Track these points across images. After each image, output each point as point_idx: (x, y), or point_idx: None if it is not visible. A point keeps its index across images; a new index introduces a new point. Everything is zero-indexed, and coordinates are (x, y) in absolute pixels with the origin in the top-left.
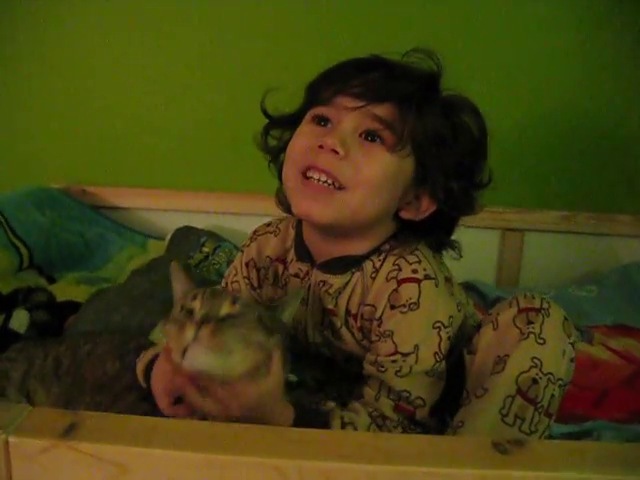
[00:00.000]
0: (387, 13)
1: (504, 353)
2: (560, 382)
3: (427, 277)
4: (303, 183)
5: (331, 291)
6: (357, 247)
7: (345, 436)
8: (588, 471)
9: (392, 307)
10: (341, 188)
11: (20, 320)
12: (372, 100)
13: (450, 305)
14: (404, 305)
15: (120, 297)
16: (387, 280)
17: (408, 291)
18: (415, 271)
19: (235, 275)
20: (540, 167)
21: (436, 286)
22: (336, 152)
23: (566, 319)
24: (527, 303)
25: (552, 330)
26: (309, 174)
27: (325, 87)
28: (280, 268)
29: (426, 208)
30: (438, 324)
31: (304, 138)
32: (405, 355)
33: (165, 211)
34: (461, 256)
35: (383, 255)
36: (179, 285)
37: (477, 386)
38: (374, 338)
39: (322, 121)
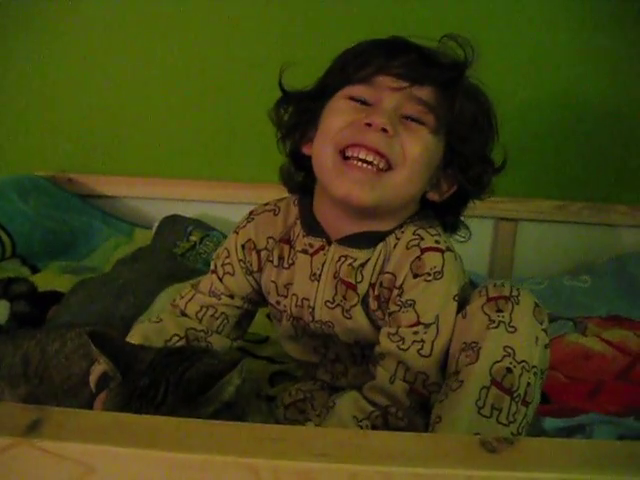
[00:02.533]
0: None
1: (471, 339)
2: (535, 369)
3: (448, 249)
4: (344, 164)
5: (355, 264)
6: (384, 224)
7: (324, 434)
8: (580, 470)
9: (415, 275)
10: (387, 169)
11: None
12: (415, 82)
13: (464, 280)
14: (428, 273)
15: (103, 287)
16: (408, 248)
17: (433, 259)
18: (438, 242)
19: (227, 257)
20: (534, 156)
21: (455, 259)
22: (385, 130)
23: (537, 305)
24: (496, 292)
25: (523, 317)
26: (349, 153)
27: (362, 66)
28: (286, 249)
29: (446, 190)
30: (456, 297)
31: (344, 115)
32: (427, 326)
33: (153, 199)
34: (470, 238)
35: (404, 227)
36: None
37: (449, 375)
38: (394, 308)
39: (360, 100)
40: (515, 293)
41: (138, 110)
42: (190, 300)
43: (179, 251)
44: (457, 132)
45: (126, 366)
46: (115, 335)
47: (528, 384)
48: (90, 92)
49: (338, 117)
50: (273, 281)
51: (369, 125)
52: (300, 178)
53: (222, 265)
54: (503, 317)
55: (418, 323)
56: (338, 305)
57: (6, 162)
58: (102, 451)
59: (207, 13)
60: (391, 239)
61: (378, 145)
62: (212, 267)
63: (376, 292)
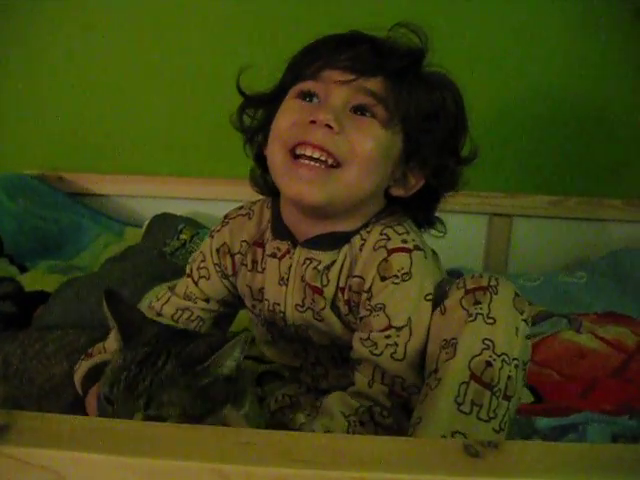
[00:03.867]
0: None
1: (450, 336)
2: (516, 362)
3: (417, 248)
4: (293, 163)
5: (320, 267)
6: (346, 224)
7: (300, 438)
8: (567, 475)
9: (383, 278)
10: (336, 165)
11: None
12: (362, 74)
13: (439, 277)
14: (396, 276)
15: (91, 286)
16: (375, 249)
17: (399, 261)
18: (405, 241)
19: (203, 262)
20: (528, 151)
21: (425, 258)
22: (330, 127)
23: (517, 295)
24: (474, 283)
25: (501, 308)
26: (299, 151)
27: (310, 61)
28: (259, 252)
29: (414, 185)
30: (429, 296)
31: (291, 114)
32: (399, 329)
33: (143, 198)
34: (445, 233)
35: (370, 227)
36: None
37: (429, 375)
38: (364, 313)
39: (308, 96)
40: (493, 283)
41: (128, 108)
42: (166, 303)
43: (169, 250)
44: (413, 123)
45: (131, 333)
46: (127, 301)
47: (509, 377)
48: (80, 90)
49: (286, 116)
50: (248, 285)
51: (314, 122)
52: (269, 180)
53: (197, 269)
54: (481, 309)
55: (390, 327)
56: (309, 308)
57: None
58: (71, 457)
59: (198, 10)
60: (356, 240)
61: (323, 142)
62: (187, 271)
63: (346, 296)
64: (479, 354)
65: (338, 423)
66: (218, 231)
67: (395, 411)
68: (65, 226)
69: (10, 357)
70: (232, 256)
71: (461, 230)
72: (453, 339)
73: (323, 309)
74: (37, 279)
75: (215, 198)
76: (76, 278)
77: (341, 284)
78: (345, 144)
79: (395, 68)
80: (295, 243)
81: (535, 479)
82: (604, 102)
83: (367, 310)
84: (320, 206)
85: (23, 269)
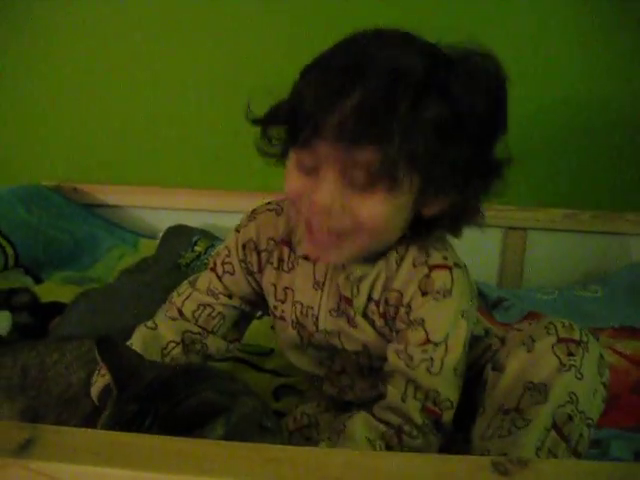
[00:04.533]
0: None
1: (539, 380)
2: (589, 422)
3: (456, 265)
4: (308, 230)
5: (352, 278)
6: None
7: (332, 455)
8: None
9: (424, 293)
10: (346, 234)
11: (1, 322)
12: (351, 143)
13: (473, 294)
14: (438, 292)
15: (106, 298)
16: (415, 266)
17: (441, 278)
18: (445, 258)
19: (228, 256)
20: (543, 164)
21: (464, 275)
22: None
23: (602, 356)
24: (566, 333)
25: (590, 366)
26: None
27: (301, 123)
28: (286, 251)
29: (444, 202)
30: (466, 314)
31: (295, 186)
32: (436, 345)
33: (158, 209)
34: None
35: (407, 242)
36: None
37: (507, 411)
38: (401, 326)
39: (306, 171)
40: (585, 339)
41: (144, 120)
42: (187, 298)
43: (184, 261)
44: (427, 164)
45: (125, 381)
46: (121, 345)
47: (581, 435)
48: (96, 102)
49: (292, 187)
50: (273, 284)
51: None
52: None
53: (222, 264)
54: (575, 361)
55: (427, 342)
56: (343, 313)
57: (11, 172)
58: (96, 473)
59: (213, 18)
60: (392, 255)
61: (326, 225)
62: (211, 265)
63: (381, 309)
64: (563, 405)
65: (362, 450)
66: (245, 226)
67: (425, 429)
68: (80, 237)
69: (28, 367)
70: (258, 253)
71: (476, 243)
72: (543, 384)
73: (355, 317)
74: (52, 290)
75: (230, 210)
76: (91, 290)
77: (375, 297)
78: (349, 219)
79: (387, 127)
80: None
81: None
82: (618, 115)
83: (405, 323)
84: (341, 263)
85: (38, 280)
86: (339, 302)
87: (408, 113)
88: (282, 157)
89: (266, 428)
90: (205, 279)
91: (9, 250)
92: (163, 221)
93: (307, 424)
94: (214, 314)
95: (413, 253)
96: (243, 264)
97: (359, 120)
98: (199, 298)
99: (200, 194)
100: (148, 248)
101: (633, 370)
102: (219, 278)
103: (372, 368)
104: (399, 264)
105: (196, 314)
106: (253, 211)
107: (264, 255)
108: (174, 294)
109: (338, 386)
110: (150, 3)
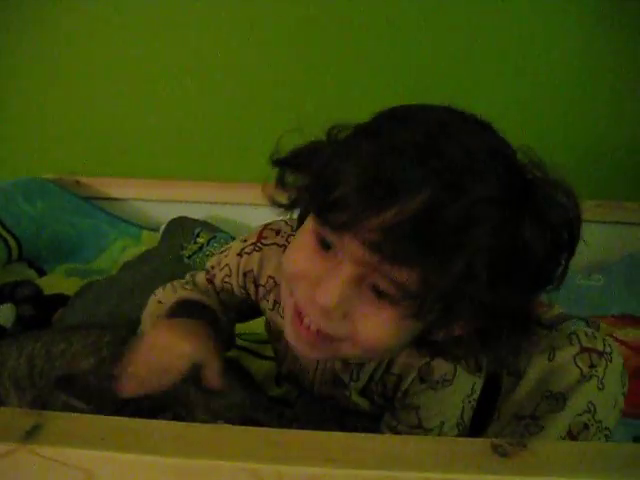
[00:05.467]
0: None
1: (558, 390)
2: (607, 432)
3: None
4: (296, 318)
5: (350, 362)
6: None
7: (332, 438)
8: (594, 474)
9: (422, 380)
10: (336, 339)
11: (5, 314)
12: (389, 259)
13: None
14: (437, 381)
15: (109, 289)
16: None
17: (443, 367)
18: None
19: (229, 276)
20: (544, 154)
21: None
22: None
23: (623, 367)
24: (589, 343)
25: (612, 377)
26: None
27: (332, 208)
28: None
29: (460, 331)
30: (470, 397)
31: (303, 260)
32: (428, 431)
33: (160, 202)
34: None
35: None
36: None
37: (522, 417)
38: (396, 404)
39: (325, 245)
40: (608, 350)
41: (145, 112)
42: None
43: (186, 253)
44: (451, 304)
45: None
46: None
47: None
48: (98, 94)
49: (298, 259)
50: (269, 321)
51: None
52: None
53: (222, 281)
54: (597, 372)
55: (419, 427)
56: (339, 386)
57: (13, 165)
58: (103, 457)
59: (212, 12)
60: None
61: (317, 323)
62: (209, 275)
63: (380, 389)
64: (581, 414)
65: None
66: (248, 254)
67: None
68: (83, 230)
69: (35, 358)
70: (257, 286)
71: None
72: (561, 394)
73: (350, 395)
74: (55, 282)
75: (232, 202)
76: (95, 281)
77: (376, 378)
78: (346, 327)
79: (436, 255)
80: None
81: (562, 477)
82: (618, 104)
83: (399, 405)
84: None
85: (41, 272)
86: (334, 379)
87: (475, 251)
88: (292, 210)
89: (255, 421)
90: (203, 284)
91: (12, 243)
92: (166, 213)
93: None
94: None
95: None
96: (243, 290)
97: (412, 234)
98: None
99: (202, 186)
100: (151, 240)
101: (633, 357)
102: (216, 292)
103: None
104: (402, 348)
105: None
106: (260, 237)
107: (261, 290)
108: (175, 283)
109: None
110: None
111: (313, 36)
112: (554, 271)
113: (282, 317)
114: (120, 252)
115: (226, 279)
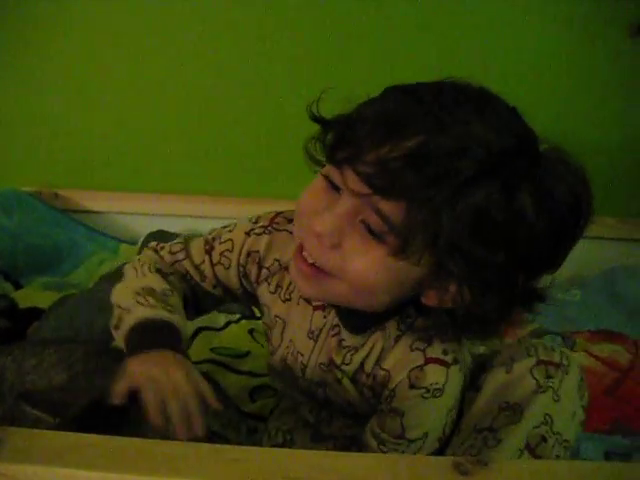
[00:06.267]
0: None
1: (514, 401)
2: (566, 444)
3: (455, 361)
4: (297, 252)
5: (344, 344)
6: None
7: (294, 455)
8: None
9: (412, 386)
10: (328, 274)
11: None
12: (379, 191)
13: (462, 387)
14: (427, 389)
15: (84, 303)
16: (412, 350)
17: (435, 374)
18: (446, 352)
19: (229, 251)
20: None
21: (460, 371)
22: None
23: (582, 379)
24: (547, 356)
25: (568, 389)
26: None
27: (339, 147)
28: (287, 279)
29: (451, 298)
30: (452, 411)
31: (313, 196)
32: (411, 442)
33: (139, 215)
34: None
35: (411, 319)
36: None
37: (481, 430)
38: (382, 407)
39: (331, 184)
40: (565, 362)
41: (124, 125)
42: (178, 262)
43: None
44: (443, 255)
45: None
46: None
47: (557, 457)
48: (76, 107)
49: (309, 195)
50: (266, 305)
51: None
52: None
53: (220, 254)
54: (552, 383)
55: (402, 437)
56: (332, 371)
57: None
58: (64, 474)
59: (203, 20)
60: (391, 328)
61: (313, 254)
62: (207, 246)
63: (370, 382)
64: (538, 427)
65: None
66: (257, 235)
67: None
68: (60, 243)
69: (5, 372)
70: (260, 267)
71: None
72: (518, 405)
73: (342, 379)
74: (31, 296)
75: (211, 216)
76: (69, 295)
77: (367, 369)
78: (337, 260)
79: (425, 193)
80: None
81: None
82: (595, 123)
83: (385, 407)
84: (316, 300)
85: (18, 286)
86: (330, 360)
87: (457, 187)
88: (320, 165)
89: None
90: (199, 255)
91: None
92: (144, 227)
93: (282, 442)
94: (192, 289)
95: (414, 335)
96: (241, 268)
97: (403, 168)
98: (188, 268)
99: (181, 200)
100: (129, 254)
101: (607, 373)
102: (212, 265)
103: (355, 414)
104: (397, 341)
105: (176, 281)
106: (272, 221)
107: (264, 272)
108: (166, 247)
109: (317, 416)
110: (131, 11)
111: (310, 51)
112: (555, 253)
113: (283, 300)
114: (98, 265)
115: (226, 253)
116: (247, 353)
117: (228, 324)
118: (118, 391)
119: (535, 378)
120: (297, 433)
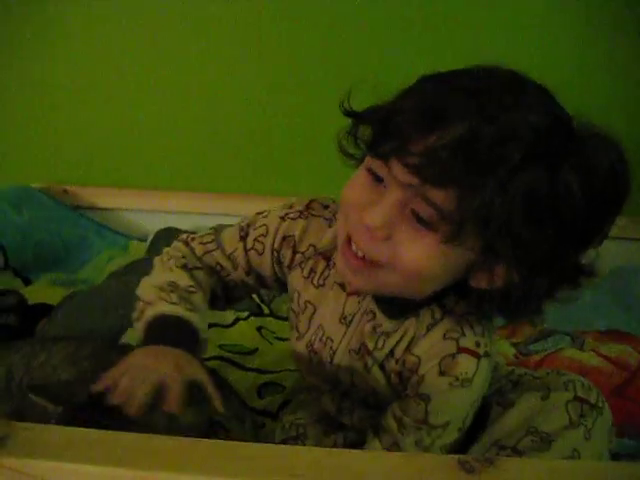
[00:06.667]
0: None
1: (543, 430)
2: None
3: (486, 354)
4: (345, 245)
5: (378, 330)
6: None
7: (299, 452)
8: None
9: (442, 373)
10: (378, 265)
11: None
12: (429, 181)
13: (489, 381)
14: (456, 378)
15: (93, 299)
16: (445, 338)
17: (466, 365)
18: (478, 344)
19: (264, 236)
20: None
21: (489, 364)
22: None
23: (612, 425)
24: (584, 394)
25: (599, 432)
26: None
27: (382, 139)
28: (321, 265)
29: (501, 279)
30: (475, 403)
31: (358, 190)
32: (432, 428)
33: (148, 212)
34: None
35: (445, 308)
36: None
37: (503, 447)
38: (408, 390)
39: (375, 177)
40: (601, 404)
41: (133, 122)
42: (209, 252)
43: None
44: (492, 238)
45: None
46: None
47: None
48: (85, 104)
49: (353, 190)
50: (297, 290)
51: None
52: None
53: (254, 239)
54: (586, 421)
55: (424, 422)
56: (362, 357)
57: (1, 173)
58: (69, 469)
59: (205, 20)
60: (426, 316)
61: (364, 247)
62: (242, 232)
63: (398, 368)
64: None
65: None
66: (293, 220)
67: None
68: (69, 239)
69: (13, 369)
70: (294, 252)
71: None
72: (547, 434)
73: (371, 366)
74: (41, 292)
75: (220, 213)
76: (78, 292)
77: (397, 355)
78: (389, 251)
79: (476, 180)
80: None
81: None
82: (603, 117)
83: (412, 392)
84: (367, 293)
85: (27, 282)
86: (361, 346)
87: (508, 171)
88: (360, 161)
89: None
90: (232, 243)
91: None
92: (153, 224)
93: (295, 435)
94: (222, 280)
95: (448, 323)
96: (275, 253)
97: (451, 157)
98: (219, 259)
99: (190, 197)
100: (138, 250)
101: (616, 373)
102: (245, 251)
103: (378, 404)
104: (430, 329)
105: (202, 275)
106: (309, 206)
107: (298, 257)
108: (197, 238)
109: (338, 405)
110: (136, 7)
111: (307, 50)
112: (598, 228)
113: (315, 286)
114: (107, 262)
115: (260, 238)
116: (255, 350)
117: (236, 321)
118: (102, 377)
119: (569, 413)
120: (310, 428)
